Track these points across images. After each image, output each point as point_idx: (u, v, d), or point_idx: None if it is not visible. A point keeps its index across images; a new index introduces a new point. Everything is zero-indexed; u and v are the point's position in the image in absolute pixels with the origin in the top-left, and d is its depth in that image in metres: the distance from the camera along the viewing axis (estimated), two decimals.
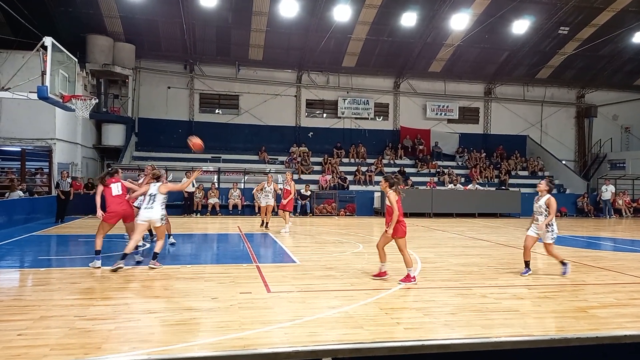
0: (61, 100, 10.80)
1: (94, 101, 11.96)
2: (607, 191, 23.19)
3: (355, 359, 1.82)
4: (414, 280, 6.90)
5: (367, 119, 27.07)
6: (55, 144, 18.50)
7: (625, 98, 29.56)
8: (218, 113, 25.90)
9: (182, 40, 23.60)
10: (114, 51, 22.29)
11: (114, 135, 23.01)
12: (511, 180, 25.18)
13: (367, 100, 26.92)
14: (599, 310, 5.59)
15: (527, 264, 7.76)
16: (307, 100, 26.64)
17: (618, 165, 27.68)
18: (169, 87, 24.89)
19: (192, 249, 11.14)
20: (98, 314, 5.19)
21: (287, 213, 13.84)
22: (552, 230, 7.60)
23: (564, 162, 27.97)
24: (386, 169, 24.74)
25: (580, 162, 29.58)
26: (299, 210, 20.97)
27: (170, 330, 4.69)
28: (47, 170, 18.50)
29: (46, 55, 9.99)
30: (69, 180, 16.40)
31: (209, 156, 23.95)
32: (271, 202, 14.38)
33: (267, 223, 14.48)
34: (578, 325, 5.01)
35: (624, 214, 23.68)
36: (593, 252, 11.00)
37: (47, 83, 9.94)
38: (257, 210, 18.39)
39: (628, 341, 2.11)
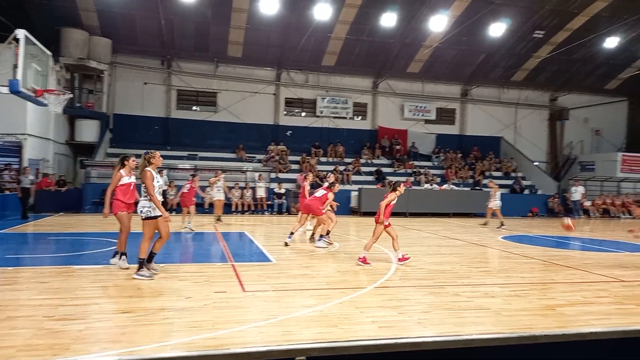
0: (34, 95, 10.51)
1: (68, 96, 11.70)
2: (577, 192, 23.80)
3: (329, 357, 1.83)
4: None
5: (346, 118, 27.15)
6: (26, 139, 18.04)
7: (596, 101, 30.37)
8: (195, 110, 25.61)
9: (160, 36, 23.26)
10: (90, 45, 21.82)
11: (88, 131, 22.53)
12: (485, 181, 25.56)
13: (346, 100, 27.00)
14: (566, 308, 5.74)
15: None
16: (286, 98, 26.57)
17: (587, 167, 28.44)
18: (145, 83, 24.49)
19: (167, 248, 11.00)
20: (67, 314, 5.08)
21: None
22: None
23: (536, 163, 28.59)
24: (364, 169, 24.91)
25: (552, 163, 30.28)
26: (275, 209, 20.93)
27: (142, 331, 4.62)
28: (16, 166, 18.00)
29: (18, 49, 9.71)
30: (31, 177, 15.95)
31: (185, 153, 23.69)
32: (222, 197, 15.77)
33: (219, 216, 15.82)
34: (546, 323, 5.13)
35: (592, 214, 24.37)
36: (562, 251, 11.28)
37: (20, 77, 9.66)
38: (207, 207, 18.13)
39: (593, 338, 2.18)
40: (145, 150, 7.39)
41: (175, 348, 4.23)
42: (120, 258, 7.61)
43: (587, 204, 24.54)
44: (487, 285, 6.99)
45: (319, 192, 10.80)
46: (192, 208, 14.02)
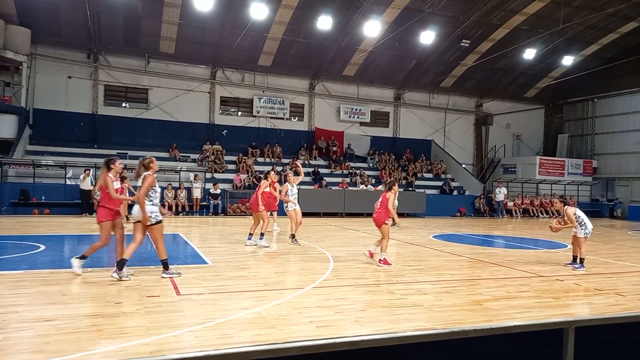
0: None
1: None
2: (500, 193, 25.34)
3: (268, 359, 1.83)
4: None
5: (283, 119, 27.11)
6: None
7: (517, 108, 32.46)
8: (125, 107, 24.46)
9: (86, 27, 21.98)
10: (6, 34, 20.20)
11: (5, 126, 20.81)
12: (417, 182, 26.58)
13: (283, 100, 26.97)
14: (492, 303, 6.09)
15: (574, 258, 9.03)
16: (221, 97, 26.07)
17: (510, 169, 30.33)
18: (69, 77, 23.03)
19: (97, 251, 10.43)
20: None
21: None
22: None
23: (464, 165, 30.08)
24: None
25: (477, 166, 31.99)
26: (211, 210, 20.50)
27: (67, 339, 4.35)
28: None
29: None
30: None
31: (114, 152, 22.50)
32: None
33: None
34: (474, 317, 5.42)
35: (514, 214, 26.03)
36: (487, 249, 11.96)
37: None
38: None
39: (516, 331, 2.34)
40: (142, 156, 7.56)
41: (105, 356, 4.03)
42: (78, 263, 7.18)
43: (510, 204, 26.18)
44: (420, 283, 7.27)
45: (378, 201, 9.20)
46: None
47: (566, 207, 8.99)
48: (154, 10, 21.75)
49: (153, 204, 7.09)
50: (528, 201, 26.95)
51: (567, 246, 12.70)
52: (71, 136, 22.74)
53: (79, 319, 4.94)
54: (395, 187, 9.02)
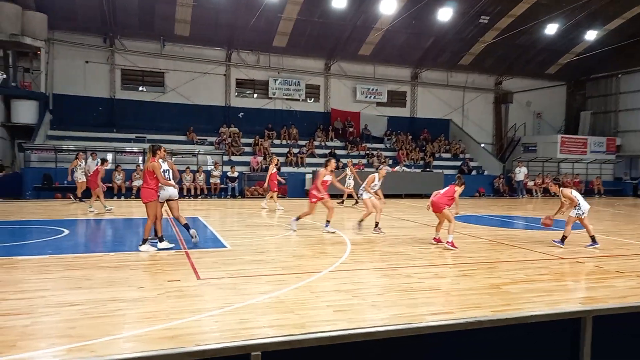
0: None
1: (2, 76, 10.91)
2: (520, 172, 24.98)
3: (284, 351, 1.86)
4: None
5: (299, 100, 27.01)
6: None
7: (537, 86, 31.74)
8: (142, 91, 24.64)
9: (101, 12, 22.04)
10: (23, 20, 20.34)
11: (25, 112, 21.21)
12: (435, 162, 26.34)
13: (299, 82, 26.82)
14: (510, 287, 6.07)
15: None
16: (237, 79, 26.04)
17: (530, 148, 29.83)
18: (87, 62, 23.24)
19: (116, 236, 10.66)
20: (11, 308, 4.86)
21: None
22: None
23: (482, 145, 29.67)
24: (317, 151, 24.97)
25: (497, 145, 31.53)
26: (229, 193, 20.68)
27: (92, 324, 4.49)
28: None
29: None
30: None
31: (132, 136, 22.83)
32: (84, 178, 15.82)
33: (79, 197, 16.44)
34: (492, 301, 5.41)
35: (534, 193, 25.68)
36: (507, 230, 11.87)
37: None
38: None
39: (532, 321, 2.33)
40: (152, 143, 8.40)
41: (129, 341, 4.15)
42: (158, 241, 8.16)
43: (530, 184, 25.81)
44: (438, 266, 7.27)
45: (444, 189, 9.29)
46: (98, 191, 13.95)
47: (561, 188, 9.23)
48: None
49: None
50: (549, 180, 26.50)
51: None
52: (90, 120, 23.05)
53: (103, 304, 5.08)
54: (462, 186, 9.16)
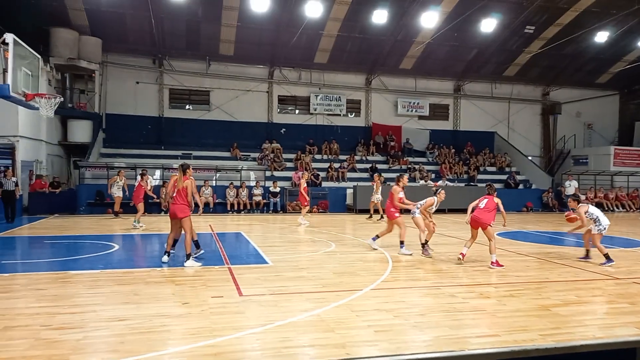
0: (24, 99, 10.43)
1: (59, 99, 11.60)
2: (571, 186, 23.96)
3: None
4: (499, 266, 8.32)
5: (340, 115, 27.17)
6: (18, 141, 17.92)
7: (587, 96, 30.56)
8: (188, 109, 25.52)
9: (151, 34, 23.12)
10: (79, 45, 21.65)
11: (81, 131, 22.41)
12: (480, 176, 25.73)
13: (339, 97, 27.00)
14: (560, 309, 5.81)
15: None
16: (279, 96, 26.53)
17: (581, 161, 28.63)
18: (137, 82, 24.37)
19: (163, 251, 10.96)
20: (65, 322, 5.09)
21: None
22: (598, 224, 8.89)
23: (530, 158, 28.76)
24: (358, 166, 24.95)
25: (545, 157, 30.46)
26: (271, 208, 20.93)
27: (139, 339, 4.63)
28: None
29: (7, 52, 9.63)
30: (14, 179, 15.78)
31: (179, 153, 23.61)
32: (121, 193, 16.78)
33: (117, 212, 17.16)
34: (541, 324, 5.20)
35: None
36: (556, 247, 11.39)
37: (9, 81, 9.58)
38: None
39: (583, 350, 2.23)
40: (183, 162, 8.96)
41: (173, 357, 4.25)
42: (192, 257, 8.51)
43: (582, 198, 24.66)
44: (482, 285, 7.06)
45: (482, 202, 8.93)
46: (140, 206, 14.38)
47: (579, 204, 9.28)
48: (213, 14, 22.46)
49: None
50: (602, 194, 25.32)
51: None
52: (140, 138, 24.05)
53: (150, 319, 5.24)
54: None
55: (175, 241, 8.78)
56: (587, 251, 9.31)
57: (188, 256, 8.35)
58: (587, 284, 7.25)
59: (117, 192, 16.79)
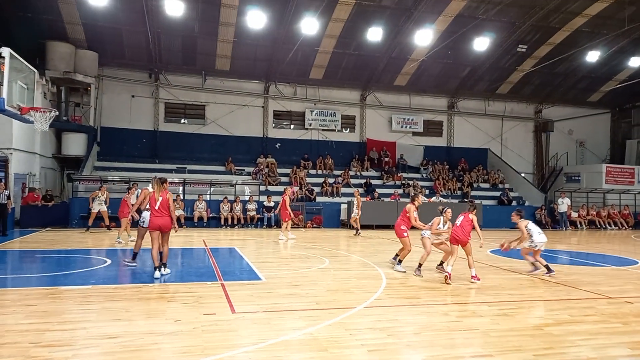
0: (19, 113, 10.41)
1: (54, 113, 11.58)
2: (563, 204, 24.12)
3: None
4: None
5: (334, 130, 27.30)
6: (11, 153, 17.82)
7: (579, 114, 30.94)
8: (184, 123, 25.55)
9: (147, 49, 23.23)
10: (76, 58, 21.71)
11: (75, 144, 22.34)
12: (473, 192, 25.84)
13: (334, 112, 27.16)
14: (553, 328, 5.81)
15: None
16: (274, 111, 26.64)
17: (573, 178, 28.85)
18: (132, 96, 24.41)
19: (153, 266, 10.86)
20: (55, 339, 5.02)
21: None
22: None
23: (523, 174, 28.95)
24: (353, 181, 25.00)
25: (538, 175, 30.67)
26: (265, 223, 20.87)
27: (130, 357, 4.58)
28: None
29: (3, 66, 9.64)
30: (6, 192, 15.59)
31: (174, 167, 23.59)
32: (104, 207, 16.99)
33: (108, 226, 17.19)
34: (534, 344, 5.19)
35: (578, 225, 24.67)
36: (550, 265, 11.37)
37: (5, 94, 9.57)
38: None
39: None
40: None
41: None
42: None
43: (574, 215, 24.86)
44: (476, 304, 7.05)
45: (459, 219, 9.00)
46: (124, 221, 14.02)
47: (521, 219, 9.73)
48: (210, 30, 22.64)
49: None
50: (594, 212, 25.48)
51: (638, 262, 11.91)
52: (134, 152, 24.01)
53: (141, 337, 5.18)
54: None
55: (161, 253, 8.75)
56: (532, 264, 9.83)
57: (159, 267, 8.63)
58: (580, 302, 7.26)
59: (96, 207, 16.87)
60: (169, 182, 9.52)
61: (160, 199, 8.59)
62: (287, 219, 16.22)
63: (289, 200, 16.42)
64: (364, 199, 22.58)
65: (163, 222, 8.57)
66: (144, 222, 9.79)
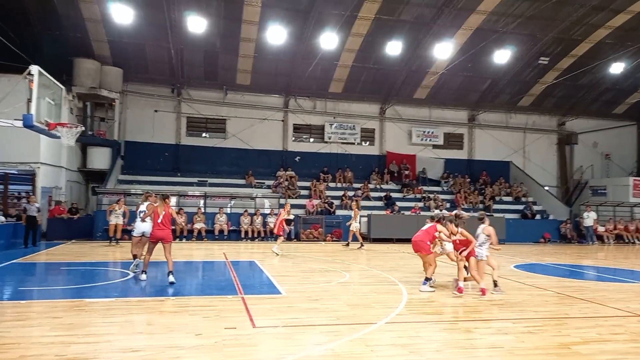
0: (46, 128, 10.72)
1: (80, 129, 11.90)
2: (589, 217, 23.54)
3: None
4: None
5: (354, 143, 27.32)
6: (39, 167, 18.31)
7: (604, 126, 30.33)
8: (205, 137, 25.92)
9: (170, 65, 23.74)
10: (101, 75, 22.30)
11: (100, 158, 22.84)
12: (495, 206, 25.47)
13: (354, 125, 27.21)
14: (581, 347, 5.64)
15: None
16: (294, 124, 26.83)
17: (599, 191, 28.21)
18: (155, 111, 24.89)
19: (177, 279, 10.99)
20: (79, 352, 5.09)
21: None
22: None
23: (546, 188, 28.42)
24: (372, 194, 24.91)
25: (562, 188, 30.09)
26: (285, 236, 20.84)
27: None
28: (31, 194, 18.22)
29: (32, 83, 9.96)
30: (37, 205, 16.04)
31: (195, 180, 23.89)
32: (120, 221, 16.88)
33: (118, 239, 16.92)
34: None
35: (605, 240, 24.02)
36: (576, 281, 11.12)
37: (33, 111, 9.88)
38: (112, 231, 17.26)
39: None
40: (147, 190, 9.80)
41: None
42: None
43: (601, 229, 24.22)
44: (500, 321, 6.90)
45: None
46: None
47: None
48: (231, 46, 23.04)
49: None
50: (622, 226, 24.80)
51: None
52: (157, 165, 24.42)
53: (163, 350, 5.21)
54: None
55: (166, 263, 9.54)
56: (495, 282, 9.02)
57: (143, 272, 9.56)
58: (608, 320, 7.05)
59: (113, 220, 16.85)
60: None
61: (163, 213, 9.33)
62: (279, 234, 16.09)
63: (285, 216, 16.20)
64: (383, 212, 22.48)
65: (163, 235, 9.34)
66: (134, 230, 10.99)
